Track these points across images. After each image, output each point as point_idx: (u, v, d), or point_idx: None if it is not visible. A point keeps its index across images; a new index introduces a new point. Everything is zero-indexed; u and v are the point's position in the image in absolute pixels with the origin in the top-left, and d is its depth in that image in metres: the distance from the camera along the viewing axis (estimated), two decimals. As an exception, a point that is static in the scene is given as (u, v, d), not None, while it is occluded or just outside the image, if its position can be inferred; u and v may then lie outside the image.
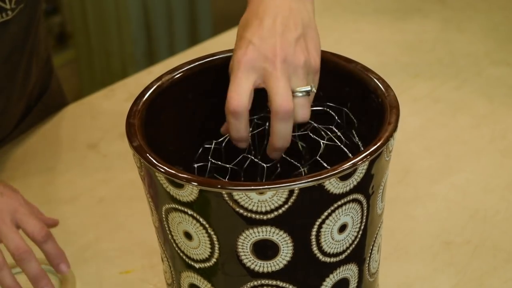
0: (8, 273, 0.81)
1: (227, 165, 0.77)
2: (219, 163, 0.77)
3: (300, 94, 0.73)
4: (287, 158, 0.79)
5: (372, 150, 0.67)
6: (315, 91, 0.74)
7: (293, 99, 0.72)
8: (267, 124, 0.76)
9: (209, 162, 0.77)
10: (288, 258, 0.68)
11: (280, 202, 0.65)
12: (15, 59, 1.00)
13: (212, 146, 0.75)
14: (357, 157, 0.66)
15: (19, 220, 0.83)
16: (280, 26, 0.74)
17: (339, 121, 0.78)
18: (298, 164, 0.80)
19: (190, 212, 0.67)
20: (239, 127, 0.73)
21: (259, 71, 0.72)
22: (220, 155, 0.78)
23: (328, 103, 0.78)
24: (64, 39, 2.58)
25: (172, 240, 0.71)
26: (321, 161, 0.76)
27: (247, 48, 0.73)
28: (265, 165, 0.78)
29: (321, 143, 0.76)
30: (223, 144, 0.78)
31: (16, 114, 1.07)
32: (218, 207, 0.66)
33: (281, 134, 0.73)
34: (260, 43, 0.73)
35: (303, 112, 0.73)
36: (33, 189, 1.02)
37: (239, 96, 0.72)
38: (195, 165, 0.78)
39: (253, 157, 0.78)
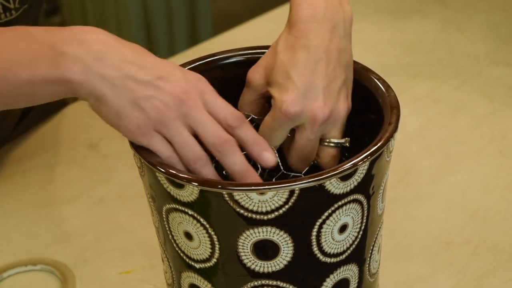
0: (211, 167, 0.70)
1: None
2: None
3: (333, 145, 0.73)
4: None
5: (373, 151, 0.67)
6: (348, 145, 0.74)
7: (325, 147, 0.73)
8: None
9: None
10: (288, 259, 0.68)
11: (280, 203, 0.65)
12: None
13: None
14: (358, 158, 0.67)
15: (207, 101, 0.70)
16: (328, 72, 0.72)
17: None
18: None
19: (190, 212, 0.67)
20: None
21: (298, 122, 0.72)
22: None
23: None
24: (64, 39, 2.58)
25: (172, 240, 0.71)
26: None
27: (293, 94, 0.71)
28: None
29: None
30: None
31: (17, 114, 1.07)
32: (219, 207, 0.66)
33: None
34: (307, 93, 0.71)
35: (331, 164, 0.74)
36: (33, 189, 1.02)
37: (272, 152, 0.73)
38: None
39: None
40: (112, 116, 0.68)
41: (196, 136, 0.70)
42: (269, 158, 0.71)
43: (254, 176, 0.70)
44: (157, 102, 0.68)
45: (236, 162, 0.69)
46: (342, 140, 0.74)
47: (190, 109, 0.68)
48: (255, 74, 0.75)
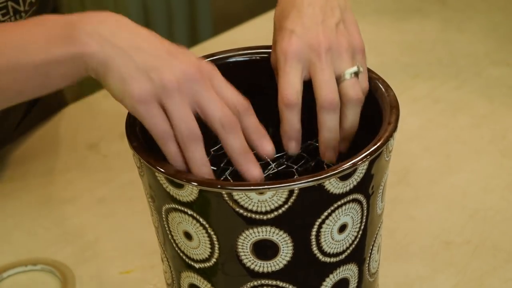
0: (203, 149, 0.69)
1: (230, 166, 0.76)
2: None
3: (348, 77, 0.74)
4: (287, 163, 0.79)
5: (372, 150, 0.67)
6: (362, 70, 0.75)
7: (342, 83, 0.73)
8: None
9: (211, 154, 0.76)
10: (288, 258, 0.68)
11: (280, 202, 0.65)
12: None
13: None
14: (357, 157, 0.67)
15: (216, 86, 0.70)
16: (320, 13, 0.75)
17: None
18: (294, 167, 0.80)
19: (190, 212, 0.67)
20: (293, 120, 0.74)
21: (305, 62, 0.74)
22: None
23: None
24: (64, 39, 2.58)
25: (172, 240, 0.71)
26: (325, 164, 0.76)
27: (291, 39, 0.74)
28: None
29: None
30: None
31: (18, 114, 1.07)
32: (218, 207, 0.66)
33: (329, 126, 0.74)
34: (303, 32, 0.74)
35: (355, 91, 0.74)
36: (33, 189, 1.02)
37: (292, 88, 0.73)
38: None
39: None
40: (117, 82, 0.68)
41: (198, 119, 0.69)
42: (268, 146, 0.71)
43: (251, 159, 0.69)
44: (166, 74, 0.68)
45: (237, 141, 0.69)
46: (354, 68, 0.74)
47: (201, 87, 0.68)
48: (272, 56, 0.77)
